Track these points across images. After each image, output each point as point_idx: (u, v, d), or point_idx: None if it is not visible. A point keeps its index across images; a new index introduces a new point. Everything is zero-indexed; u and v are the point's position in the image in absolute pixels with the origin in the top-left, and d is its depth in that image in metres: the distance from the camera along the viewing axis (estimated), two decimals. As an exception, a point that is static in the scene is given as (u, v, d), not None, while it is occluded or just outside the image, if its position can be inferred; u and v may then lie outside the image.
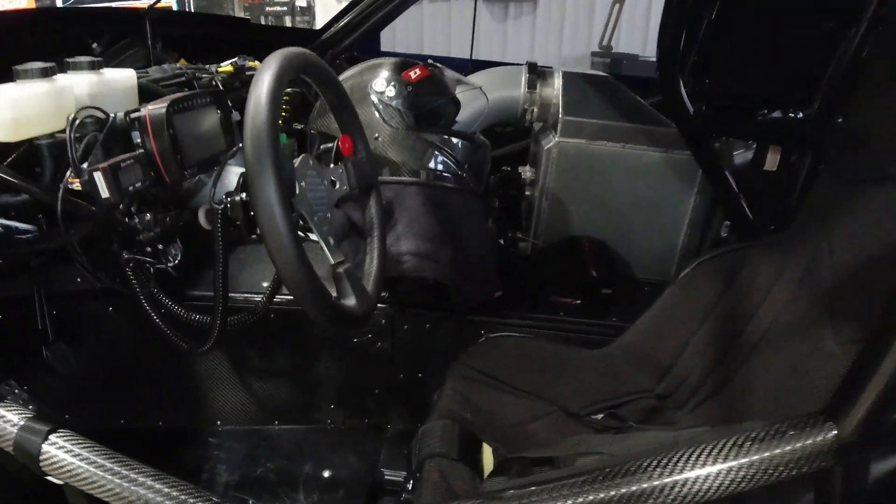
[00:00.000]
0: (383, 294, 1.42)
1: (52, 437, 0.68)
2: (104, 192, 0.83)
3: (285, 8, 5.15)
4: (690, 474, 0.56)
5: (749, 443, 0.56)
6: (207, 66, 1.51)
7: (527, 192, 1.80)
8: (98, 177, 0.82)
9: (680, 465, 0.56)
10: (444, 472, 1.00)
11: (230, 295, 1.36)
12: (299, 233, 0.80)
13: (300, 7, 5.22)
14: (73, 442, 0.69)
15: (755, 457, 0.55)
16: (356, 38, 1.98)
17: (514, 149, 2.14)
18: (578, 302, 1.51)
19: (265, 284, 1.40)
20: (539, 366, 1.29)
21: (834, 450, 0.54)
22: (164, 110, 0.90)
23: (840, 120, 1.07)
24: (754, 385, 1.10)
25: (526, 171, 1.82)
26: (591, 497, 0.57)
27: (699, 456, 0.56)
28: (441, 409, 1.16)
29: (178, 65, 1.47)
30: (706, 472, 0.56)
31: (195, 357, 1.40)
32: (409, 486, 1.04)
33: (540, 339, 1.34)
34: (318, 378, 1.48)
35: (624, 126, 1.61)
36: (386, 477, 1.34)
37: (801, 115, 1.25)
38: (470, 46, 2.22)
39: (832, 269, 1.01)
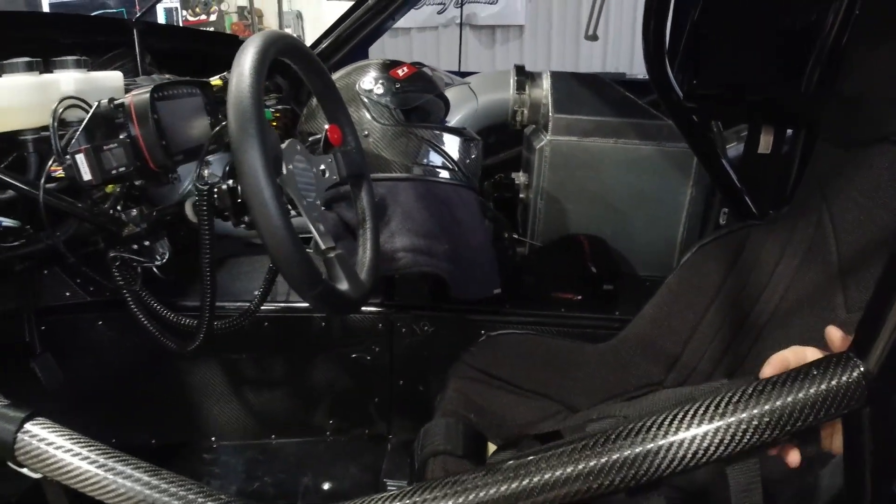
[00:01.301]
0: (379, 299, 1.38)
1: (28, 426, 0.62)
2: (86, 174, 0.81)
3: (274, 40, 5.20)
4: (709, 427, 0.52)
5: (771, 388, 0.52)
6: (196, 80, 1.51)
7: (521, 196, 1.79)
8: (80, 158, 0.81)
9: (697, 418, 0.52)
10: (448, 469, 0.96)
11: (223, 304, 1.34)
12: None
13: (289, 40, 5.28)
14: (53, 430, 0.63)
15: (778, 402, 0.51)
16: (346, 53, 1.99)
17: (507, 156, 2.13)
18: (580, 297, 1.48)
19: (258, 292, 1.37)
20: (543, 363, 1.25)
21: (863, 387, 0.50)
22: (147, 96, 0.89)
23: (832, 90, 1.06)
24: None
25: (520, 177, 1.81)
26: (601, 460, 0.53)
27: (718, 406, 0.52)
28: (444, 410, 1.12)
29: (166, 76, 1.46)
30: (726, 422, 0.52)
31: (187, 370, 1.36)
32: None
33: (542, 335, 1.30)
34: (316, 388, 1.44)
35: (615, 121, 1.60)
36: (389, 487, 1.28)
37: (793, 93, 1.24)
38: (458, 60, 2.23)
39: (836, 237, 0.99)
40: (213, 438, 1.43)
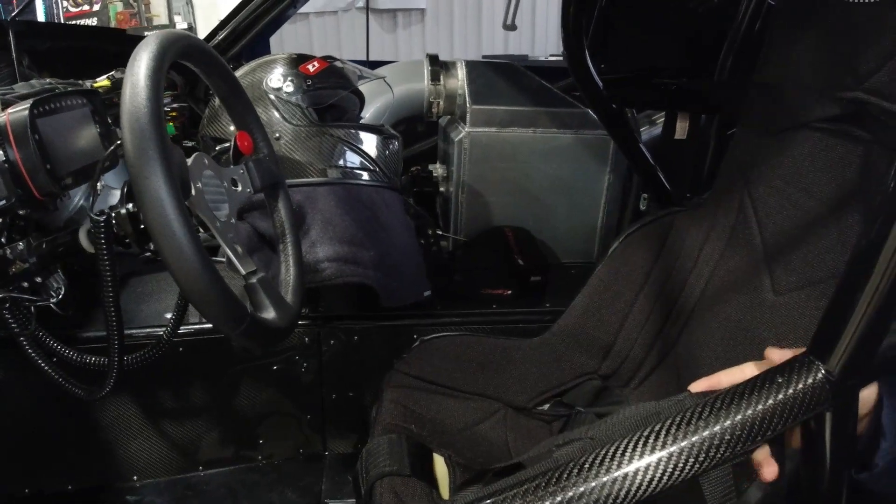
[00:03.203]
0: (304, 310, 1.30)
1: None
2: None
3: (164, 31, 4.86)
4: (683, 444, 0.50)
5: (739, 398, 0.51)
6: (81, 82, 1.35)
7: (441, 189, 1.75)
8: (-48, 195, 0.67)
9: (671, 436, 0.51)
10: (397, 491, 0.91)
11: (130, 332, 1.22)
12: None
13: (181, 30, 4.95)
14: None
15: (749, 412, 0.50)
16: (244, 45, 1.86)
17: (422, 147, 2.09)
18: (510, 292, 1.46)
19: (168, 315, 1.25)
20: (479, 363, 1.23)
21: (826, 389, 0.50)
22: (26, 112, 0.76)
23: (748, 78, 1.08)
24: (698, 348, 1.09)
25: (437, 169, 1.77)
26: (579, 489, 0.50)
27: (690, 422, 0.51)
28: (383, 424, 1.07)
29: (48, 80, 1.30)
30: (699, 438, 0.50)
31: (100, 407, 1.23)
32: (361, 513, 0.94)
33: (476, 335, 1.27)
34: (242, 412, 1.34)
35: (533, 111, 1.59)
36: (332, 508, 1.22)
37: (706, 79, 1.26)
38: (366, 48, 2.15)
39: (758, 221, 1.02)
40: (135, 477, 1.31)
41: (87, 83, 1.36)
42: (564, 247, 1.74)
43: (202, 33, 5.01)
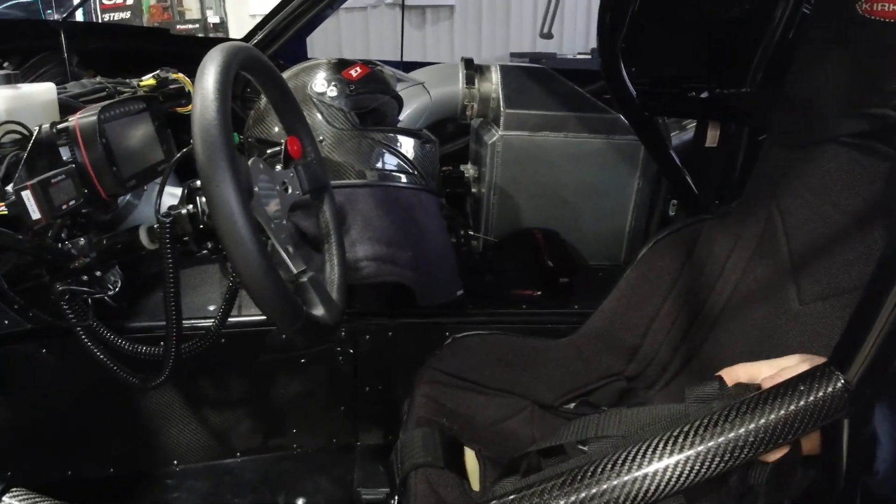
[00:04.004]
0: (341, 304, 1.36)
1: (6, 499, 0.59)
2: (35, 213, 0.74)
3: (197, 25, 4.97)
4: (710, 444, 0.54)
5: (762, 404, 0.55)
6: (128, 81, 1.42)
7: (473, 190, 1.79)
8: (27, 196, 0.73)
9: (699, 436, 0.54)
10: (431, 481, 0.96)
11: (176, 324, 1.28)
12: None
13: (213, 24, 5.06)
14: (30, 501, 0.60)
15: (772, 416, 0.54)
16: (281, 45, 1.92)
17: (453, 148, 2.12)
18: (539, 293, 1.50)
19: (212, 308, 1.31)
20: (508, 361, 1.27)
21: (845, 398, 0.53)
22: (95, 118, 0.82)
23: (778, 90, 1.10)
24: (722, 354, 1.12)
25: (469, 169, 1.81)
26: (614, 482, 0.54)
27: (717, 424, 0.55)
28: (416, 418, 1.12)
29: (97, 79, 1.37)
30: (725, 439, 0.54)
31: (142, 394, 1.30)
32: (395, 502, 0.99)
33: (506, 334, 1.31)
34: (278, 402, 1.40)
35: (565, 115, 1.62)
36: (364, 497, 1.27)
37: (737, 90, 1.28)
38: (400, 49, 2.20)
39: (786, 232, 1.04)
40: (174, 462, 1.37)
41: (134, 81, 1.42)
42: (593, 249, 1.77)
43: (232, 27, 5.10)
